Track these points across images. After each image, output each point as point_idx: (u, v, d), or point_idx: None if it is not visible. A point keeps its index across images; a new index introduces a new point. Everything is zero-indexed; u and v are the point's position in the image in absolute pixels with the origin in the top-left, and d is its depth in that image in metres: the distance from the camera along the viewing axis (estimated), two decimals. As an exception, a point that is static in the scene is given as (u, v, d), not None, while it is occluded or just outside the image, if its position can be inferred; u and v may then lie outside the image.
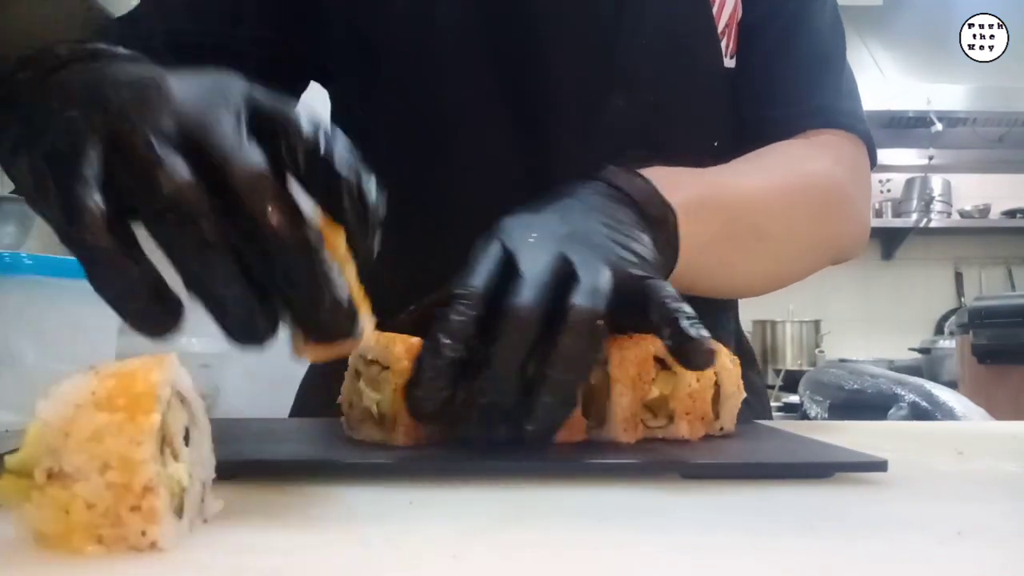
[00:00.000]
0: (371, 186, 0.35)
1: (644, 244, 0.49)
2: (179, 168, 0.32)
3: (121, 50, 0.41)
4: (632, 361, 0.47)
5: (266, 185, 0.32)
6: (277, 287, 0.34)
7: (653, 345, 0.50)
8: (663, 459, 0.44)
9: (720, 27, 0.73)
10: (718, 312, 0.80)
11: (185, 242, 0.32)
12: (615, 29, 0.72)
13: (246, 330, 0.34)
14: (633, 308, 0.44)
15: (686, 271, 0.57)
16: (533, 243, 0.45)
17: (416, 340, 0.45)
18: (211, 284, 0.33)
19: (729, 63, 0.74)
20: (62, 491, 0.27)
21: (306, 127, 0.35)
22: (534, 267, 0.43)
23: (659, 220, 0.53)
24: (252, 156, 0.33)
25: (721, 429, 0.52)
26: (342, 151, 0.35)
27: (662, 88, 0.73)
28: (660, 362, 0.50)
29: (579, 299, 0.41)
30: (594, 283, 0.42)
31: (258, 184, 0.32)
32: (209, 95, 0.35)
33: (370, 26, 0.75)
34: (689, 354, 0.41)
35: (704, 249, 0.58)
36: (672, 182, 0.56)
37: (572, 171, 0.61)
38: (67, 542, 0.28)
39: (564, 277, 0.43)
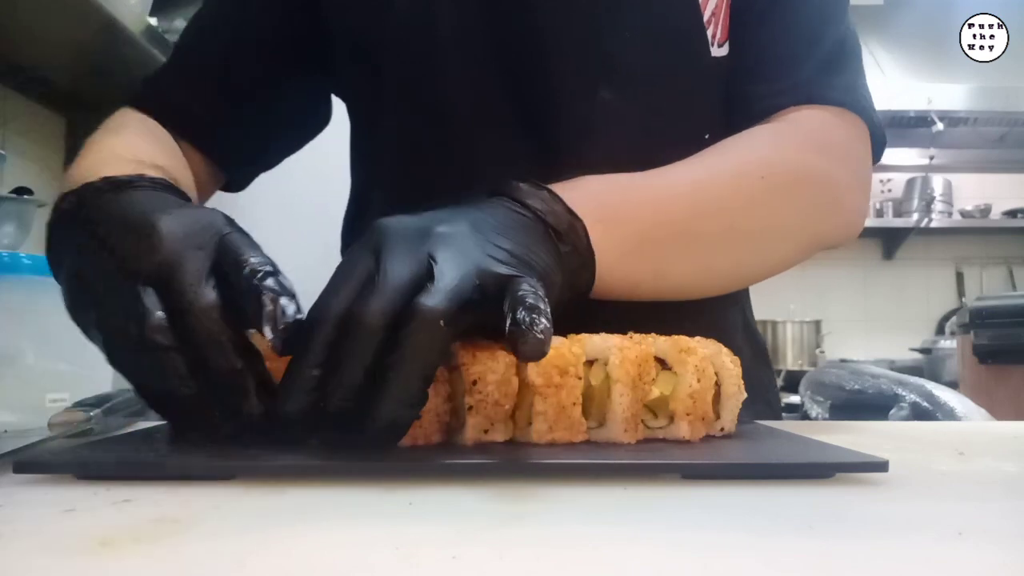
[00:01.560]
0: (288, 307, 0.43)
1: (530, 248, 0.49)
2: (154, 314, 0.42)
3: (144, 180, 0.51)
4: (632, 362, 0.47)
5: (210, 324, 0.42)
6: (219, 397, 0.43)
7: (654, 346, 0.50)
8: (663, 459, 0.44)
9: (706, 16, 0.72)
10: (724, 307, 0.80)
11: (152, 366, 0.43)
12: (599, 21, 0.71)
13: (193, 424, 0.44)
14: (499, 306, 0.44)
15: (611, 279, 0.57)
16: (401, 246, 0.44)
17: None
18: (168, 392, 0.43)
19: (718, 52, 0.73)
20: None
21: (255, 263, 0.44)
22: (392, 271, 0.43)
23: (566, 231, 0.53)
24: (205, 298, 0.43)
25: (722, 430, 0.52)
26: (272, 284, 0.43)
27: (649, 80, 0.72)
28: (661, 362, 0.50)
29: (424, 299, 0.41)
30: (444, 283, 0.42)
31: (205, 322, 0.42)
32: (187, 239, 0.45)
33: (371, 31, 0.75)
34: (516, 342, 0.41)
35: (627, 256, 0.58)
36: (586, 192, 0.56)
37: (573, 166, 0.61)
38: None
39: (422, 278, 0.43)
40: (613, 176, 0.62)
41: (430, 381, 0.42)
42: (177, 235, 0.45)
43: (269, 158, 0.86)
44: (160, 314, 0.42)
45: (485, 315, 0.43)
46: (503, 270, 0.45)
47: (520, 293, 0.43)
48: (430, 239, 0.45)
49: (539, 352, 0.41)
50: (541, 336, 0.41)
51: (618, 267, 0.58)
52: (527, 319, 0.41)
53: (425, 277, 0.43)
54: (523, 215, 0.51)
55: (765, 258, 0.69)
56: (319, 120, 0.87)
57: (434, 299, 0.41)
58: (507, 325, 0.41)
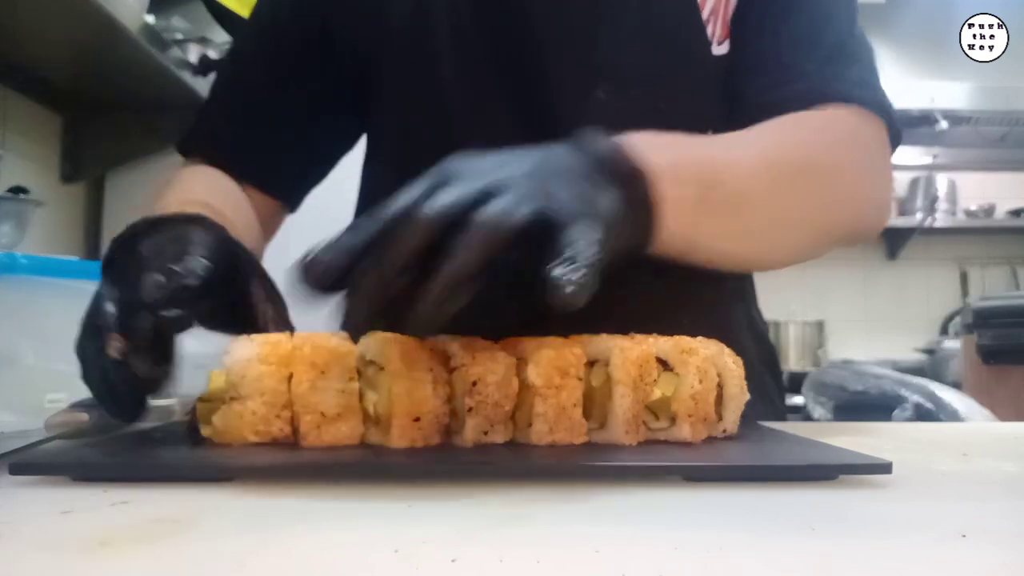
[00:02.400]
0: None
1: (591, 195, 0.47)
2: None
3: (168, 215, 0.56)
4: (634, 362, 0.47)
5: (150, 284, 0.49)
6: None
7: (655, 346, 0.49)
8: (665, 461, 0.44)
9: (705, 14, 0.71)
10: (727, 305, 0.80)
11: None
12: (596, 21, 0.71)
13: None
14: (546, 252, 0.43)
15: (670, 234, 0.56)
16: (468, 176, 0.44)
17: (412, 342, 0.45)
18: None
19: (719, 50, 0.72)
20: (238, 406, 0.45)
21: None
22: (457, 189, 0.43)
23: (630, 178, 0.52)
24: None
25: (724, 431, 0.51)
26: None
27: (647, 80, 0.72)
28: (662, 363, 0.49)
29: (480, 211, 0.42)
30: (500, 205, 0.42)
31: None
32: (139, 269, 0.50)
33: (369, 32, 0.76)
34: (548, 289, 0.40)
35: (688, 213, 0.57)
36: (651, 144, 0.55)
37: None
38: (239, 434, 0.45)
39: (483, 201, 0.43)
40: (674, 135, 0.61)
41: (473, 281, 0.41)
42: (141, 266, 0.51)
43: (316, 176, 0.87)
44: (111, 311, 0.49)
45: (534, 259, 0.42)
46: (560, 216, 0.44)
47: (569, 240, 0.42)
48: (496, 175, 0.45)
49: (570, 301, 0.39)
50: (576, 287, 0.39)
51: (678, 222, 0.56)
52: (560, 269, 0.40)
53: (487, 200, 0.43)
54: (589, 161, 0.50)
55: (792, 239, 0.68)
56: (356, 130, 0.87)
57: (489, 211, 0.42)
58: (546, 269, 0.40)
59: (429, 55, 0.74)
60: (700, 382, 0.48)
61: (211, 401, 0.47)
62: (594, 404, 0.48)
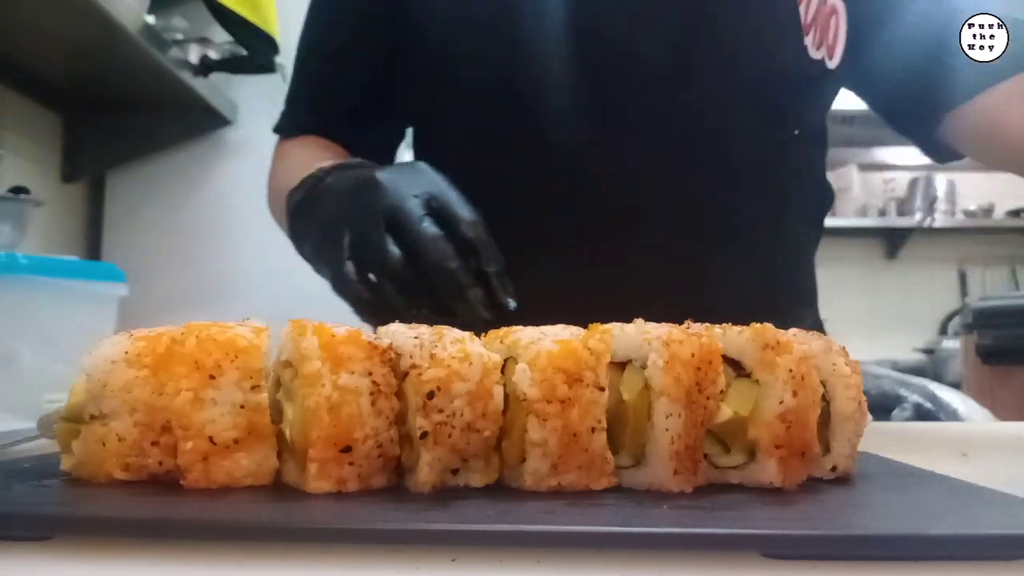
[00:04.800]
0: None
1: None
2: (391, 249, 0.56)
3: (348, 161, 0.67)
4: (687, 363, 0.32)
5: (440, 246, 0.56)
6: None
7: (723, 339, 0.33)
8: (736, 527, 0.28)
9: (808, 17, 0.74)
10: (796, 306, 0.81)
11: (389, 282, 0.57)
12: (694, 23, 0.74)
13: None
14: None
15: None
16: None
17: (344, 333, 0.33)
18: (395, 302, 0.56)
19: (816, 54, 0.76)
20: (100, 427, 0.33)
21: (460, 210, 0.58)
22: None
23: None
24: (430, 230, 0.57)
25: (833, 469, 0.36)
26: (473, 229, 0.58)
27: (738, 80, 0.75)
28: (733, 365, 0.34)
29: None
30: None
31: (433, 245, 0.56)
32: (405, 188, 0.58)
33: (451, 28, 0.78)
34: None
35: None
36: None
37: (642, 159, 0.63)
38: (102, 469, 0.33)
39: None
40: None
41: None
42: (398, 186, 0.58)
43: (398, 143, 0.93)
44: (398, 253, 0.56)
45: None
46: None
47: None
48: None
49: None
50: None
51: None
52: None
53: None
54: None
55: None
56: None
57: None
58: None
59: (509, 49, 0.75)
60: (794, 395, 0.33)
61: (73, 420, 0.35)
62: (626, 428, 0.33)
